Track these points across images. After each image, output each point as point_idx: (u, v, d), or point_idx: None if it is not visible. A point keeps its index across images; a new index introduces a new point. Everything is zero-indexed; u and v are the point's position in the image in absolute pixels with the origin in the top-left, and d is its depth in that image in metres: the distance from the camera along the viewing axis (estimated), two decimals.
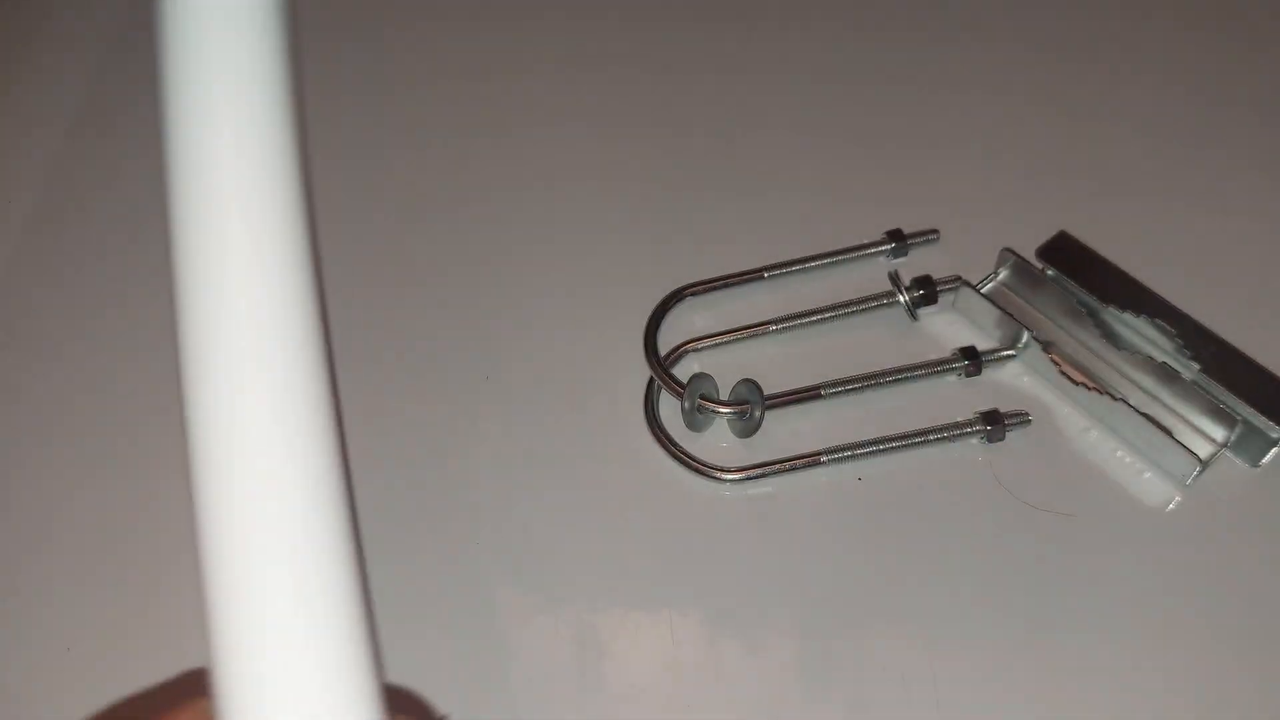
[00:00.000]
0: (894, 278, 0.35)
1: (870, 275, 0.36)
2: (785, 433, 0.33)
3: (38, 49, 0.46)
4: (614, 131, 0.42)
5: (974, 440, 0.32)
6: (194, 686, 0.16)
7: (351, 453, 0.34)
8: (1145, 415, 0.32)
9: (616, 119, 0.42)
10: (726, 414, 0.33)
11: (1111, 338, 0.34)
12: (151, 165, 0.42)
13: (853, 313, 0.35)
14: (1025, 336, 0.34)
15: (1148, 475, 0.32)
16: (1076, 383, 0.33)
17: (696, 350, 0.35)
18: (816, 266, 0.36)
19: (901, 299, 0.35)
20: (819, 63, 0.43)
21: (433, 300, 0.37)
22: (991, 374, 0.34)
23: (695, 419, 0.33)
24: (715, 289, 0.36)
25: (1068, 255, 0.35)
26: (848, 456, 0.32)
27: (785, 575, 0.31)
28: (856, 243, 0.37)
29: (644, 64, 0.44)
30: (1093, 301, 0.34)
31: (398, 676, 0.30)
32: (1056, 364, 0.33)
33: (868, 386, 0.33)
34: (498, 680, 0.30)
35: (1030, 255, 0.35)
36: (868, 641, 0.30)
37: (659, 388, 0.34)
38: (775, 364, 0.34)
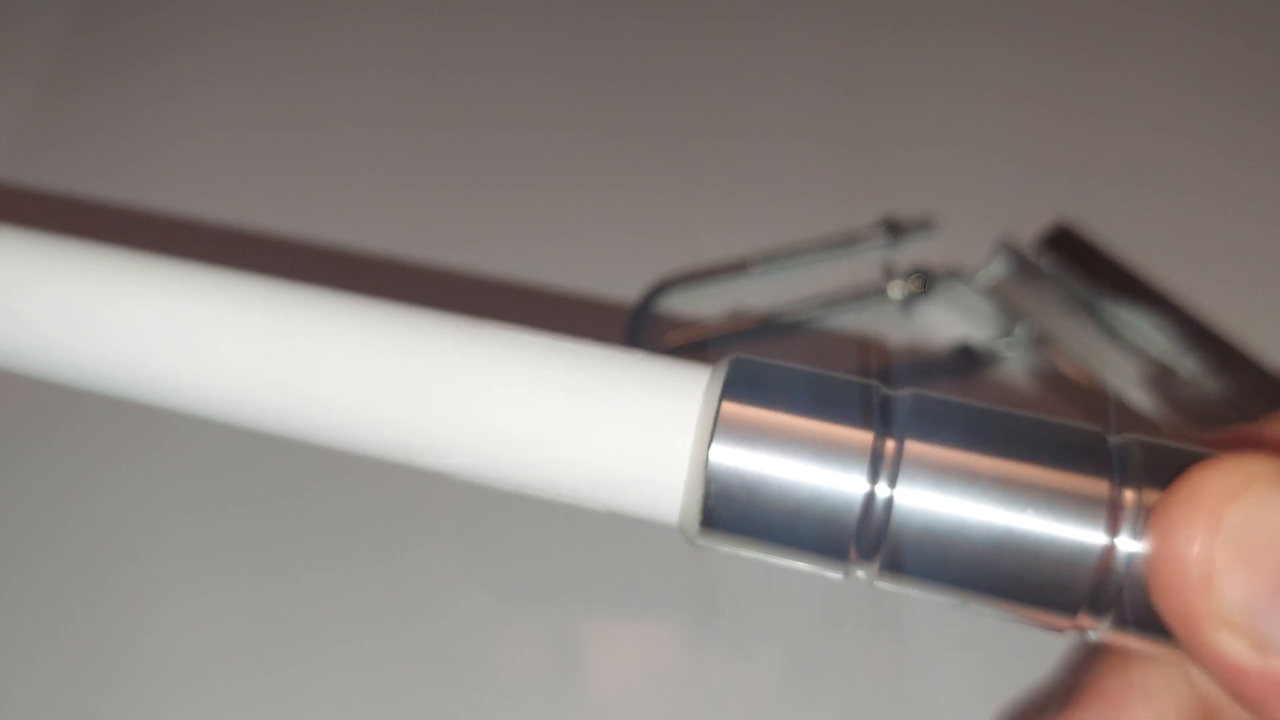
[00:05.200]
0: (887, 270, 0.34)
1: (862, 265, 0.35)
2: None
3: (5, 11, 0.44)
4: (593, 118, 0.40)
5: None
6: None
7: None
8: (1142, 413, 0.31)
9: (596, 100, 0.41)
10: None
11: (1109, 333, 0.33)
12: (119, 133, 0.39)
13: (844, 305, 0.34)
14: (1021, 331, 0.33)
15: None
16: (1073, 379, 0.32)
17: (680, 347, 0.34)
18: (806, 257, 0.35)
19: (895, 292, 0.34)
20: (810, 45, 0.42)
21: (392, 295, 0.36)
22: (986, 370, 0.33)
23: None
24: (699, 281, 0.35)
25: (1066, 247, 0.34)
26: None
27: (770, 578, 0.30)
28: (847, 232, 0.36)
29: (628, 47, 0.42)
30: (1091, 295, 0.33)
31: (369, 684, 0.29)
32: (1053, 359, 0.32)
33: None
34: (471, 691, 0.29)
35: (1027, 246, 0.34)
36: (857, 643, 0.29)
37: None
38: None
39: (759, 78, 0.41)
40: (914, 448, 0.14)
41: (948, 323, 0.34)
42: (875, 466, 0.14)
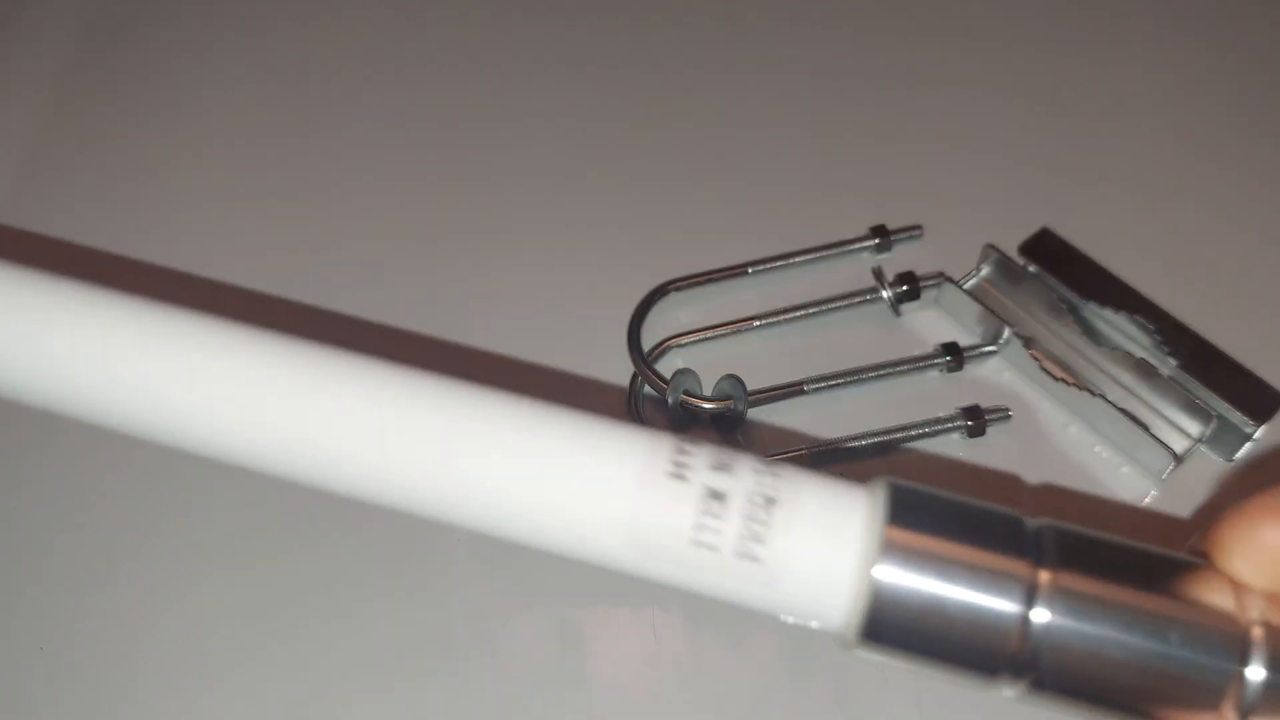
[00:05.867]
0: (877, 273, 0.35)
1: (854, 271, 0.36)
2: (768, 429, 0.33)
3: (19, 18, 0.46)
4: (595, 126, 0.41)
5: (955, 436, 0.33)
6: None
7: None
8: (1123, 411, 0.32)
9: (597, 113, 0.42)
10: (710, 410, 0.33)
11: (1091, 334, 0.34)
12: (135, 140, 0.40)
13: (836, 308, 0.35)
14: (1006, 332, 0.34)
15: (1124, 470, 0.32)
16: (1056, 378, 0.33)
17: (680, 345, 0.35)
18: (800, 262, 0.36)
19: (884, 295, 0.35)
20: (802, 57, 0.43)
21: (408, 293, 0.37)
22: (973, 369, 0.34)
23: (679, 415, 0.33)
24: (699, 284, 0.36)
25: (1050, 252, 0.36)
26: (829, 452, 0.32)
27: None
28: (840, 238, 0.37)
29: (625, 57, 0.44)
30: (1074, 298, 0.35)
31: (369, 673, 0.30)
32: (1037, 360, 0.34)
33: (850, 382, 0.33)
34: (477, 678, 0.30)
35: (1013, 251, 0.36)
36: None
37: (642, 383, 0.34)
38: (759, 359, 0.34)
39: (751, 89, 0.42)
40: (1065, 578, 0.15)
41: (936, 324, 0.36)
42: (1030, 594, 0.15)
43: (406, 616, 0.31)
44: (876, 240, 0.37)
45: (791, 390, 0.33)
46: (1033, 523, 0.16)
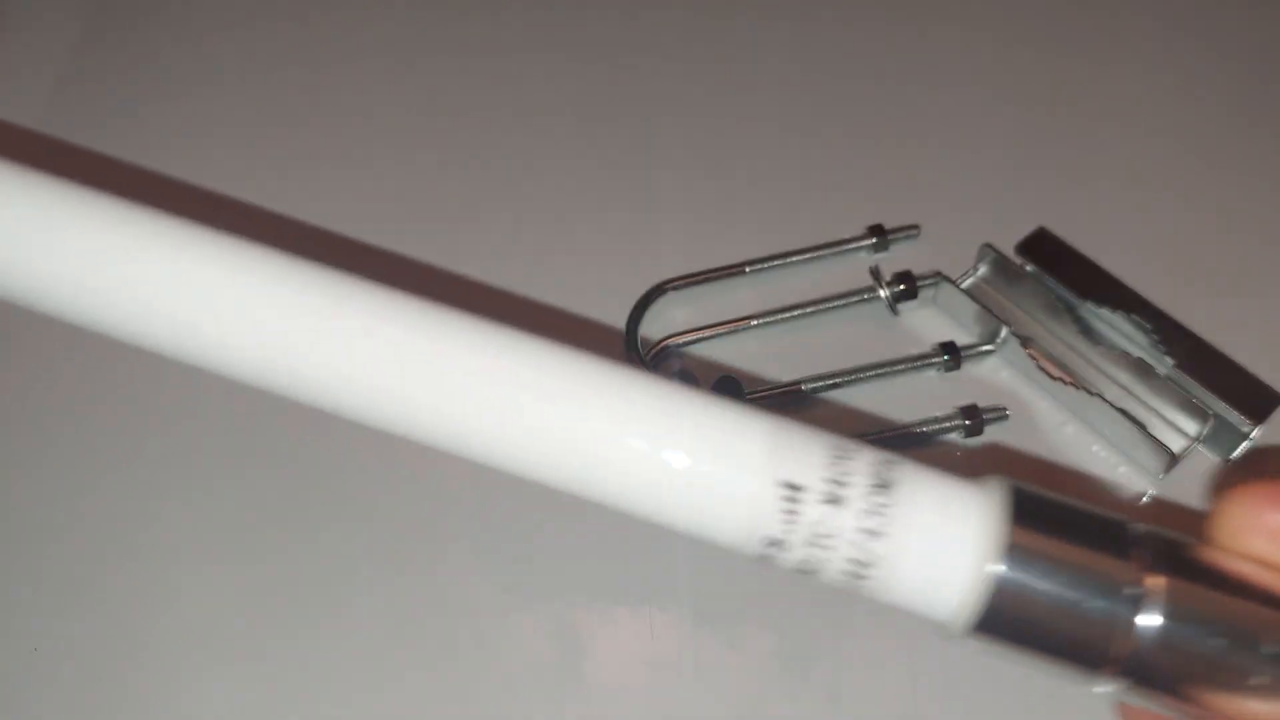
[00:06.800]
0: (874, 273, 0.35)
1: (851, 270, 0.36)
2: None
3: (15, 19, 0.45)
4: (589, 124, 0.41)
5: (952, 435, 0.33)
6: None
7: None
8: (1120, 410, 0.32)
9: (592, 111, 0.42)
10: None
11: (1089, 333, 0.34)
12: (129, 131, 0.40)
13: (833, 308, 0.35)
14: (1004, 332, 0.34)
15: (1122, 469, 0.32)
16: (1054, 378, 0.33)
17: (677, 345, 0.35)
18: (797, 261, 0.36)
19: (882, 294, 0.35)
20: (800, 56, 0.43)
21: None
22: (970, 369, 0.34)
23: None
24: (696, 283, 0.36)
25: (1047, 251, 0.36)
26: None
27: (758, 573, 0.31)
28: (837, 237, 0.37)
29: (622, 55, 0.43)
30: (1071, 297, 0.35)
31: (365, 671, 0.30)
32: (1034, 359, 0.34)
33: (848, 382, 0.33)
34: (474, 677, 0.30)
35: (1010, 251, 0.36)
36: (846, 633, 0.30)
37: None
38: (756, 359, 0.34)
39: (749, 88, 0.42)
40: (1174, 584, 0.16)
41: (933, 323, 0.36)
42: (1138, 597, 0.15)
43: (403, 615, 0.31)
44: (874, 239, 0.36)
45: (789, 390, 0.33)
46: (1137, 528, 0.16)
